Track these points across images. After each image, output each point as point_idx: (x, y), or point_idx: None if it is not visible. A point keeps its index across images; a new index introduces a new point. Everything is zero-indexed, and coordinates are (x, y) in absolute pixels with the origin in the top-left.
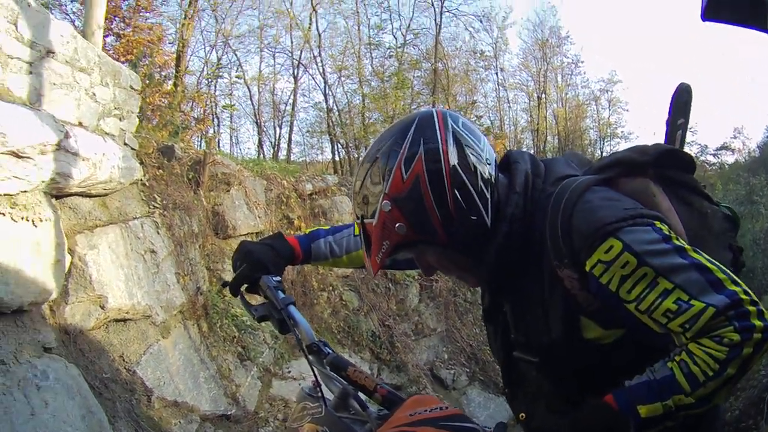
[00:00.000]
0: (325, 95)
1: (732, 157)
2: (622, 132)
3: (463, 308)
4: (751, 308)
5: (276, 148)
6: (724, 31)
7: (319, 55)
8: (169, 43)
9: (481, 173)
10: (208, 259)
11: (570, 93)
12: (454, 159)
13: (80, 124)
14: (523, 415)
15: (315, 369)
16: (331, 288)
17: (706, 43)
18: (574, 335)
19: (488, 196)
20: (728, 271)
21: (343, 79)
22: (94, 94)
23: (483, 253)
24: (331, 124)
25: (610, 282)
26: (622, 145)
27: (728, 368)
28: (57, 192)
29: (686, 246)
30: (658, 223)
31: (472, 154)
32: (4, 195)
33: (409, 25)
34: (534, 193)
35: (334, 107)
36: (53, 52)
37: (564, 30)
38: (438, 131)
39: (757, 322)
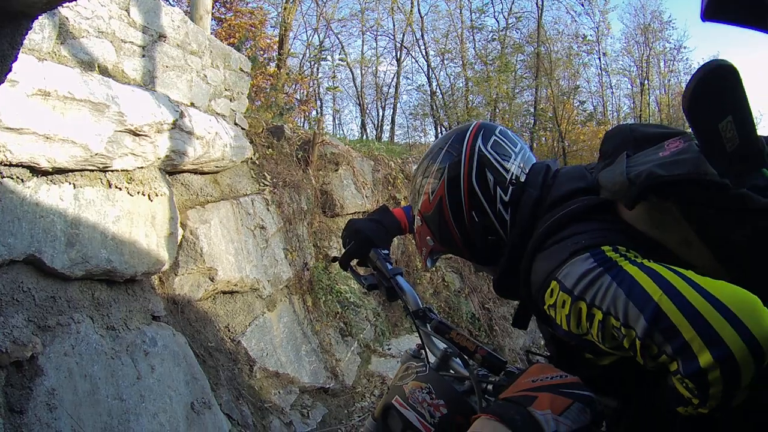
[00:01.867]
0: (428, 78)
1: None
2: None
3: None
4: (696, 337)
5: (379, 130)
6: None
7: (422, 38)
8: (271, 26)
9: (500, 196)
10: (315, 237)
11: (673, 80)
12: (474, 183)
13: (192, 105)
14: None
15: (421, 332)
16: (434, 269)
17: None
18: (574, 352)
19: (507, 217)
20: (689, 276)
21: (446, 62)
22: (206, 76)
23: (495, 268)
24: (434, 106)
25: (562, 323)
26: None
27: (708, 401)
28: (171, 168)
29: (629, 262)
30: (605, 248)
31: (495, 177)
32: (122, 171)
33: (511, 8)
34: (536, 219)
35: (438, 90)
36: (165, 36)
37: (666, 14)
38: (464, 152)
39: (703, 358)
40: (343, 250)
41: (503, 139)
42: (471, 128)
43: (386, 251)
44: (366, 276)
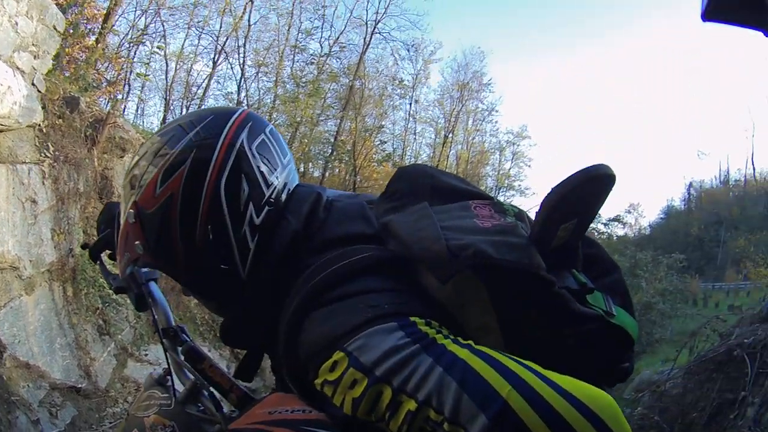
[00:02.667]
0: (239, 87)
1: (622, 230)
2: (519, 185)
3: None
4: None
5: None
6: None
7: (244, 46)
8: None
9: (252, 216)
10: (86, 222)
11: (477, 138)
12: (221, 189)
13: None
14: None
15: (168, 355)
16: None
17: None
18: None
19: (251, 245)
20: (535, 368)
21: (260, 75)
22: (17, 24)
23: (230, 305)
24: None
25: (345, 406)
26: (517, 199)
27: None
28: None
29: (452, 341)
30: (417, 320)
31: (251, 189)
32: None
33: (338, 37)
34: (296, 260)
35: (245, 101)
36: None
37: (486, 77)
38: (221, 143)
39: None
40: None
41: (273, 142)
42: (237, 114)
43: None
44: (116, 275)
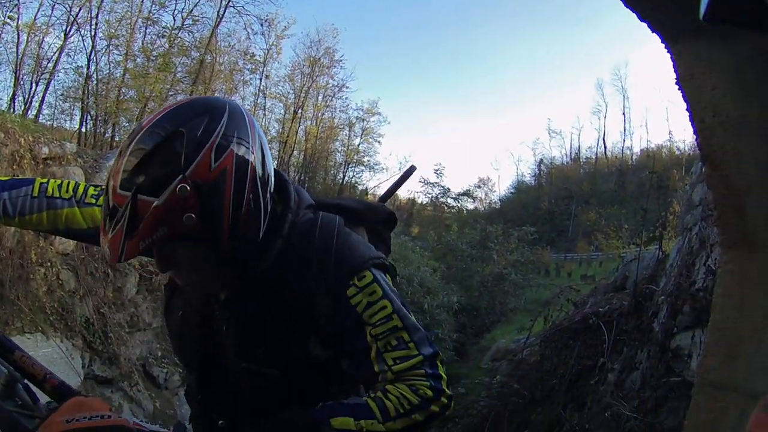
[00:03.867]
0: (88, 60)
1: (473, 204)
2: (368, 161)
3: None
4: (443, 375)
5: (27, 105)
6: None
7: (97, 17)
8: None
9: (270, 186)
10: None
11: (327, 114)
12: (258, 166)
13: None
14: (222, 422)
15: None
16: (49, 264)
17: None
18: (307, 351)
19: (269, 210)
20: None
21: (111, 48)
22: None
23: (249, 264)
24: (86, 91)
25: (359, 304)
26: (366, 174)
27: (416, 414)
28: None
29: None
30: (387, 276)
31: (268, 164)
32: None
33: (192, 10)
34: (296, 215)
35: (94, 75)
36: None
37: (339, 53)
38: (249, 131)
39: (446, 391)
40: None
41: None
42: (242, 107)
43: None
44: None
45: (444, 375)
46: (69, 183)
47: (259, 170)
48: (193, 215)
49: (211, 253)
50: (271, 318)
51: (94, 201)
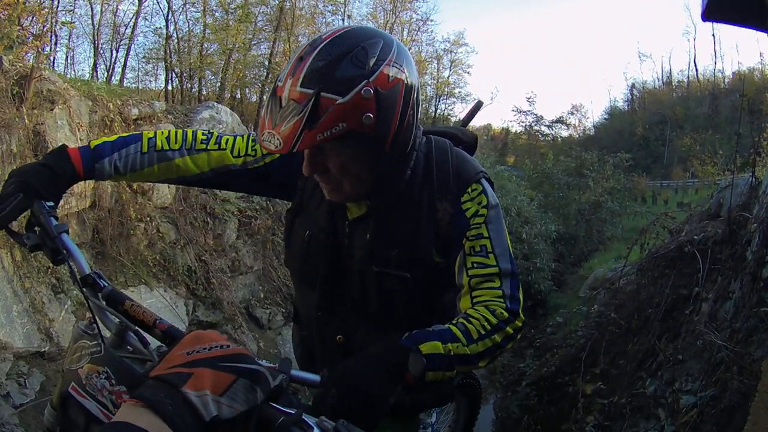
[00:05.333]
0: (166, 21)
1: (566, 131)
2: (459, 92)
3: (281, 247)
4: (520, 298)
5: (110, 72)
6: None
7: None
8: None
9: (420, 105)
10: None
11: (414, 48)
12: (418, 85)
13: None
14: (341, 336)
15: (90, 303)
16: (148, 219)
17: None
18: (430, 256)
19: (414, 129)
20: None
21: (187, 6)
22: None
23: (395, 174)
24: (168, 51)
25: (468, 210)
26: (458, 106)
27: (495, 334)
28: None
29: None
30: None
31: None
32: None
33: None
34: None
35: (174, 34)
36: None
37: None
38: (411, 61)
39: (521, 314)
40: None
41: None
42: (396, 39)
43: (51, 204)
44: (28, 234)
45: (521, 297)
46: (177, 132)
47: (418, 88)
48: (372, 115)
49: (372, 156)
50: (404, 224)
51: (204, 147)
